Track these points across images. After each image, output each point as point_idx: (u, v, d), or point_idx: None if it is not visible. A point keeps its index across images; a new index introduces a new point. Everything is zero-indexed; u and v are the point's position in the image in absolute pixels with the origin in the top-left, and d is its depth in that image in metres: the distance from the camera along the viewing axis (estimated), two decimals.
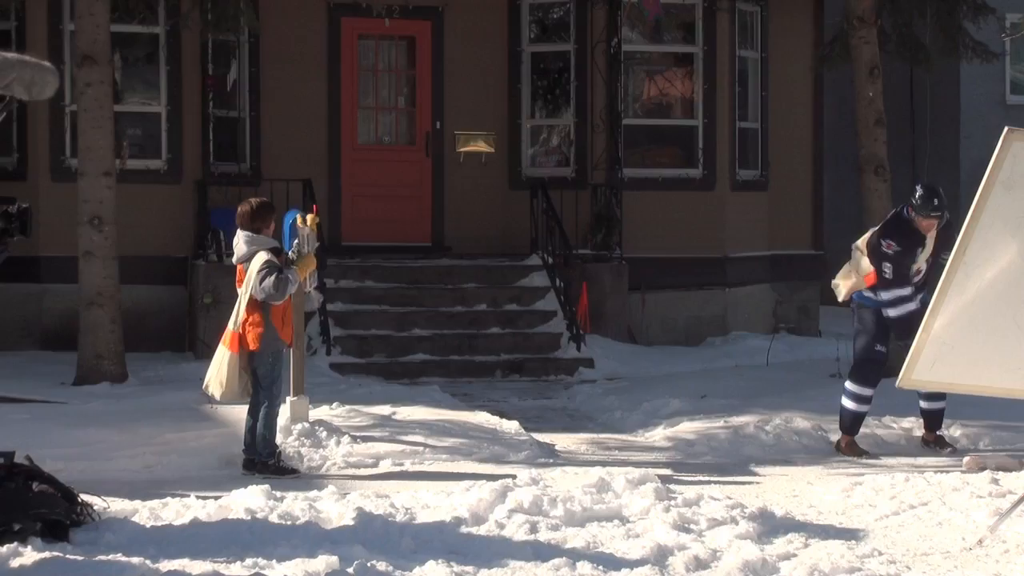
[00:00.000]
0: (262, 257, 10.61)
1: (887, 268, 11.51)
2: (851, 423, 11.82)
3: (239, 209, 10.92)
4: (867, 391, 11.72)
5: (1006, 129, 8.41)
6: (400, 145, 19.25)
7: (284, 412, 11.32)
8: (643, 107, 19.49)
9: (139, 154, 17.65)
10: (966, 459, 11.22)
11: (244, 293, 10.73)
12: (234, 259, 10.92)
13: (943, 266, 10.50)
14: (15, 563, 7.62)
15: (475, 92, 18.86)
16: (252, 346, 10.63)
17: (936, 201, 11.35)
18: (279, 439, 11.02)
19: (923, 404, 11.95)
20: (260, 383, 10.73)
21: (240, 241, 10.82)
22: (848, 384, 11.81)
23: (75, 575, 7.50)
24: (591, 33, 18.69)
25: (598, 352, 16.67)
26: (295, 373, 11.70)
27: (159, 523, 8.64)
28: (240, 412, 11.76)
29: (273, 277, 10.48)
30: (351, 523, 8.50)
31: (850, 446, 11.78)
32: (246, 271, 10.72)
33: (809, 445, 12.06)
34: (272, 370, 10.72)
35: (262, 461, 10.72)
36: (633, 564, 7.86)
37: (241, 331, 10.66)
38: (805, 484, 10.44)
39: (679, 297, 18.72)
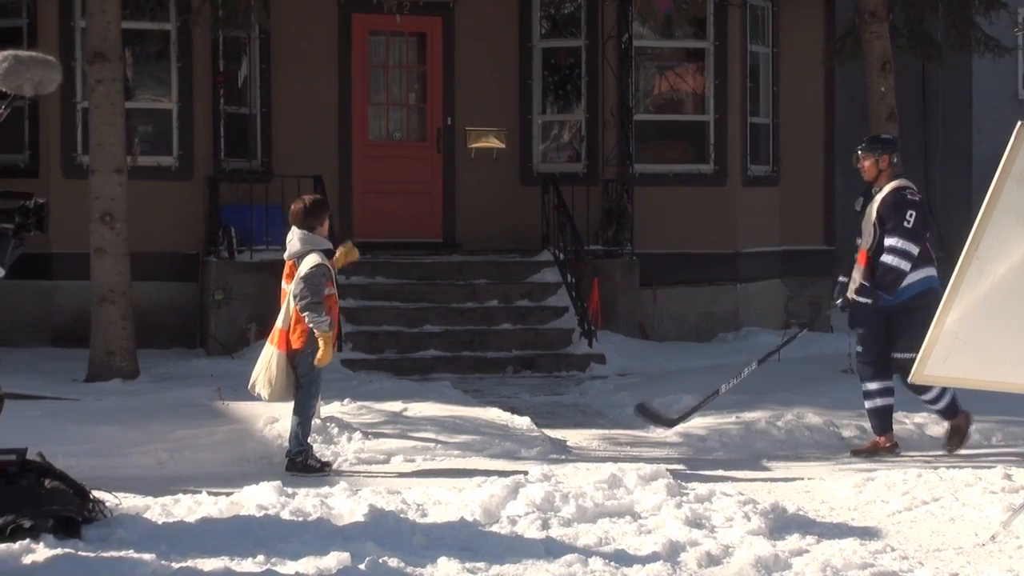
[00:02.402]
0: (313, 259, 10.52)
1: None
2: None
3: (292, 207, 10.83)
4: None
5: (1019, 123, 8.37)
6: (411, 141, 19.26)
7: None
8: (654, 103, 19.48)
9: (150, 151, 17.66)
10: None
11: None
12: (285, 255, 10.76)
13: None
14: (27, 560, 7.62)
15: (486, 88, 18.85)
16: (297, 344, 10.56)
17: (864, 139, 11.93)
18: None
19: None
20: (299, 380, 10.66)
21: (295, 238, 10.69)
22: None
23: (87, 572, 7.49)
24: (602, 28, 18.68)
25: (609, 348, 16.66)
26: None
27: (171, 519, 8.64)
28: (252, 409, 11.78)
29: (315, 306, 10.38)
30: (363, 519, 8.49)
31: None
32: (297, 267, 10.62)
33: (821, 440, 12.05)
34: (311, 368, 10.64)
35: (291, 458, 10.70)
36: (645, 560, 7.85)
37: (290, 329, 10.57)
38: (817, 480, 10.42)
39: (690, 293, 18.71)
